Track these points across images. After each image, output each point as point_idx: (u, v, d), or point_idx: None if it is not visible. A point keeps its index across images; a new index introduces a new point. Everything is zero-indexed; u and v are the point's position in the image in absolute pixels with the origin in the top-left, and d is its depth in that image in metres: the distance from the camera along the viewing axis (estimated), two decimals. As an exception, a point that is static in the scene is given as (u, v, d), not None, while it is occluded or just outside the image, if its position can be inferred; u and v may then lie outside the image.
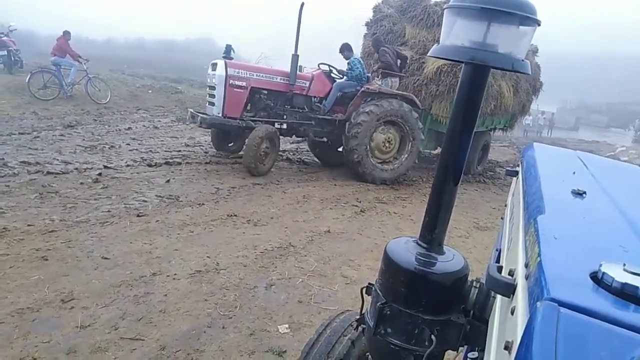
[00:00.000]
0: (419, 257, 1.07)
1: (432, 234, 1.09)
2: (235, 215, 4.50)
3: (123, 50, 39.06)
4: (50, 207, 4.14)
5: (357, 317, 1.37)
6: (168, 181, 5.46)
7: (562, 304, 0.48)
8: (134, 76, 18.57)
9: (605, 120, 52.02)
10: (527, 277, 0.61)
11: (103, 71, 15.72)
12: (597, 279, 0.56)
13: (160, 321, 2.57)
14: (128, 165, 5.96)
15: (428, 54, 1.06)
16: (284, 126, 6.71)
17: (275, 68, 7.03)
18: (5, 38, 12.89)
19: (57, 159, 5.81)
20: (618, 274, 0.54)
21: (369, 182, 6.76)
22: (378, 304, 1.09)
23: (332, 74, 7.17)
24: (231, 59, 6.51)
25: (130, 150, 6.95)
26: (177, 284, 3.01)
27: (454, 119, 1.04)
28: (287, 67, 6.69)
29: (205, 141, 8.51)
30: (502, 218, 1.67)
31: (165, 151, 7.20)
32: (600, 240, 0.78)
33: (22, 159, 5.56)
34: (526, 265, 0.65)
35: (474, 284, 1.06)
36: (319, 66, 7.22)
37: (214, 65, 6.41)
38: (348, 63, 6.96)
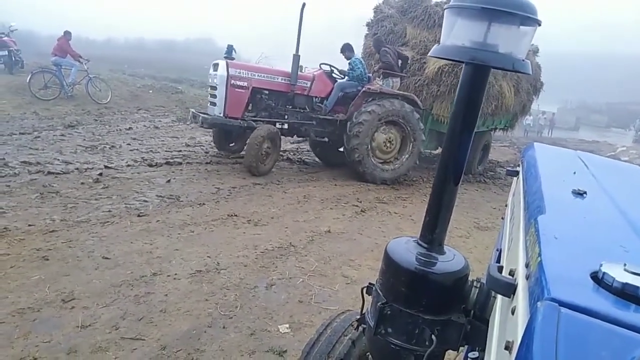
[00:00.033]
0: (420, 257, 1.07)
1: (433, 234, 1.09)
2: (236, 215, 4.50)
3: (123, 50, 39.08)
4: (51, 207, 4.15)
5: (358, 317, 1.37)
6: (169, 181, 5.46)
7: (562, 304, 0.48)
8: (134, 76, 18.59)
9: (605, 120, 51.99)
10: (527, 277, 0.61)
11: (103, 71, 15.73)
12: (598, 279, 0.56)
13: (160, 321, 2.57)
14: (129, 165, 5.96)
15: (429, 54, 1.06)
16: (285, 126, 6.72)
17: (276, 68, 7.04)
18: (6, 38, 12.91)
19: (58, 159, 5.81)
20: (618, 274, 0.54)
21: (369, 182, 6.76)
22: (379, 303, 1.09)
23: (334, 74, 7.18)
24: (233, 59, 6.52)
25: (130, 150, 6.95)
26: (177, 284, 3.01)
27: (455, 119, 1.04)
28: (287, 67, 6.69)
29: (206, 141, 8.51)
30: (502, 218, 1.66)
31: (166, 151, 7.21)
32: (600, 240, 0.78)
33: (23, 159, 5.57)
34: (527, 265, 0.65)
35: (475, 283, 1.06)
36: (320, 66, 7.22)
37: (216, 66, 6.42)
38: (349, 63, 6.96)
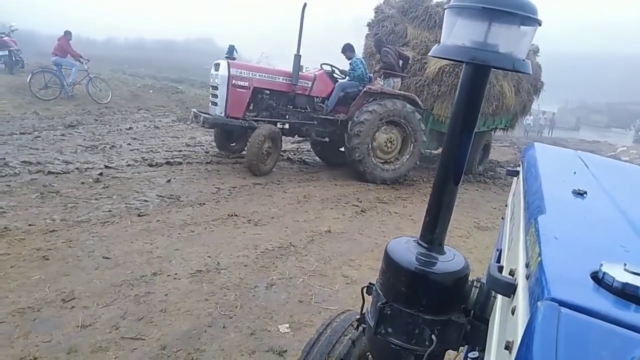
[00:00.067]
0: (420, 256, 1.07)
1: (433, 234, 1.09)
2: (236, 215, 4.50)
3: (123, 50, 39.08)
4: (51, 206, 4.15)
5: (358, 316, 1.37)
6: (169, 181, 5.46)
7: (562, 303, 0.48)
8: (134, 76, 18.59)
9: (605, 120, 52.00)
10: (527, 277, 0.61)
11: (104, 71, 15.74)
12: (598, 278, 0.56)
13: (160, 321, 2.57)
14: (129, 165, 5.96)
15: (429, 54, 1.06)
16: (286, 126, 6.73)
17: (277, 68, 7.04)
18: (6, 38, 12.91)
19: (58, 159, 5.81)
20: (619, 274, 0.54)
21: (369, 182, 6.76)
22: (379, 303, 1.09)
23: (335, 74, 7.18)
24: (234, 59, 6.53)
25: (131, 150, 6.96)
26: (177, 284, 3.02)
27: (455, 118, 1.04)
28: (288, 67, 6.70)
29: (206, 141, 8.51)
30: (502, 218, 1.66)
31: (166, 151, 7.21)
32: (600, 240, 0.78)
33: (23, 158, 5.57)
34: (527, 265, 0.65)
35: (475, 283, 1.06)
36: (321, 66, 7.23)
37: (217, 66, 6.43)
38: (350, 63, 6.97)
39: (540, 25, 0.92)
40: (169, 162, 6.36)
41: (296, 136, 7.35)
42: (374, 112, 6.57)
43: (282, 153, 7.27)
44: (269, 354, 2.40)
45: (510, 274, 0.77)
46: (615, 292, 0.53)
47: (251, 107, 6.71)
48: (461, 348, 1.08)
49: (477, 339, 1.00)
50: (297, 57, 6.49)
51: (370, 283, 1.23)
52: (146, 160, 6.32)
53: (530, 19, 0.90)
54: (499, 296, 0.83)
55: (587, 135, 31.21)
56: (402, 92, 7.14)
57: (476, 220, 5.62)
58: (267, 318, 2.75)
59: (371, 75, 7.23)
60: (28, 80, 10.43)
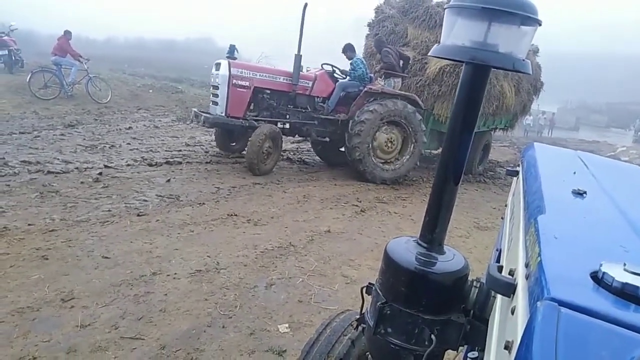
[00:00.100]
0: (419, 256, 1.07)
1: (433, 234, 1.09)
2: (236, 215, 4.50)
3: (123, 50, 39.04)
4: (50, 206, 4.14)
5: (357, 316, 1.37)
6: (168, 180, 5.46)
7: (562, 303, 0.48)
8: (134, 76, 18.58)
9: (605, 120, 52.01)
10: (527, 277, 0.61)
11: (103, 71, 15.73)
12: (598, 278, 0.56)
13: (160, 320, 2.57)
14: (128, 165, 5.96)
15: (429, 54, 1.06)
16: (287, 126, 6.73)
17: (278, 68, 7.05)
18: (6, 37, 12.90)
19: (58, 159, 5.81)
20: (618, 274, 0.54)
21: (369, 181, 6.76)
22: (378, 303, 1.09)
23: (335, 74, 7.19)
24: (235, 59, 6.53)
25: (130, 149, 6.95)
26: (177, 284, 3.01)
27: (455, 118, 1.04)
28: (287, 67, 6.70)
29: (206, 141, 8.51)
30: (502, 218, 1.66)
31: (166, 151, 7.21)
32: (600, 240, 0.78)
33: (22, 158, 5.57)
34: (526, 265, 0.65)
35: (474, 283, 1.06)
36: (322, 66, 7.23)
37: (218, 65, 6.43)
38: (351, 63, 6.98)
39: (540, 25, 0.92)
40: (168, 161, 6.36)
41: (296, 136, 7.35)
42: (375, 112, 6.58)
43: (281, 153, 7.28)
44: (268, 354, 2.40)
45: (509, 273, 0.77)
46: (615, 292, 0.53)
47: (252, 107, 6.71)
48: (461, 348, 1.08)
49: (476, 338, 1.00)
50: (298, 57, 6.50)
51: (369, 283, 1.23)
52: (146, 159, 6.32)
53: (530, 19, 0.90)
54: (499, 296, 0.83)
55: (587, 135, 31.22)
56: (402, 92, 7.14)
57: (476, 220, 5.62)
58: (266, 318, 2.75)
59: (372, 75, 7.24)
60: (27, 80, 10.43)
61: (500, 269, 0.83)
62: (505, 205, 1.65)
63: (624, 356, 0.43)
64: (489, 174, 9.49)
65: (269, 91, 6.61)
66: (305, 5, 6.28)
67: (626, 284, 0.53)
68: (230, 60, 6.35)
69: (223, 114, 6.28)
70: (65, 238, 3.48)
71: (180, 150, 7.34)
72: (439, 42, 1.00)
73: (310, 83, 6.83)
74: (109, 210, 4.21)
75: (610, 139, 29.67)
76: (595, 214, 0.93)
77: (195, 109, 6.84)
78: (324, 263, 3.67)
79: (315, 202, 5.41)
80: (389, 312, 1.07)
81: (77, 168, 5.46)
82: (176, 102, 13.62)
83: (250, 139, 6.04)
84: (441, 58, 1.01)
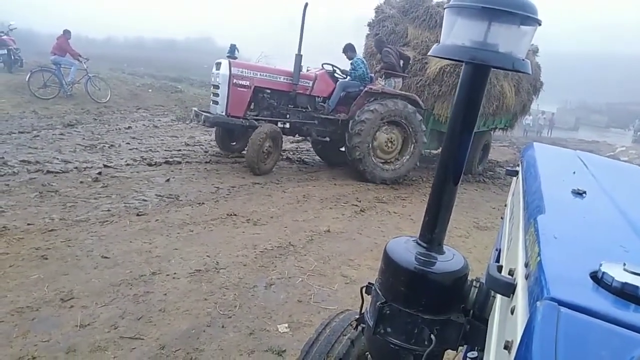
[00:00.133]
0: (419, 256, 1.07)
1: (432, 234, 1.09)
2: (235, 215, 4.50)
3: (123, 49, 38.99)
4: (50, 206, 4.14)
5: (357, 316, 1.37)
6: (168, 180, 5.46)
7: (562, 303, 0.48)
8: (134, 75, 18.57)
9: (605, 120, 52.01)
10: (527, 277, 0.61)
11: (103, 70, 15.72)
12: (597, 278, 0.56)
13: (159, 320, 2.57)
14: (128, 165, 5.96)
15: (429, 53, 1.06)
16: (287, 125, 6.74)
17: (278, 68, 7.05)
18: (5, 37, 12.88)
19: (57, 158, 5.81)
20: (618, 274, 0.54)
21: (369, 181, 6.76)
22: (378, 303, 1.09)
23: (336, 74, 7.19)
24: (235, 58, 6.54)
25: (130, 149, 6.95)
26: (176, 283, 3.01)
27: (454, 118, 1.04)
28: (287, 67, 6.70)
29: (205, 140, 8.51)
30: (502, 218, 1.67)
31: (165, 150, 7.20)
32: (600, 240, 0.78)
33: (22, 157, 5.56)
34: (526, 265, 0.65)
35: (474, 283, 1.06)
36: (322, 66, 7.24)
37: (218, 65, 6.43)
38: (351, 63, 6.99)
39: (540, 25, 0.92)
40: (168, 161, 6.36)
41: (297, 135, 7.36)
42: (375, 112, 6.58)
43: (281, 153, 7.28)
44: (268, 354, 2.40)
45: (509, 273, 0.77)
46: (615, 292, 0.53)
47: (252, 107, 6.72)
48: (460, 348, 1.08)
49: (476, 338, 1.00)
50: (299, 57, 6.50)
51: (369, 283, 1.23)
52: (145, 159, 6.31)
53: (530, 19, 0.90)
54: (498, 296, 0.83)
55: (587, 135, 31.24)
56: (403, 92, 7.15)
57: (475, 220, 5.62)
58: (266, 318, 2.75)
59: (372, 75, 7.24)
60: (27, 79, 10.42)
61: (499, 268, 0.83)
62: (505, 205, 1.65)
63: (623, 356, 0.43)
64: (489, 174, 9.49)
65: (269, 91, 6.62)
66: (306, 5, 6.29)
67: (626, 283, 0.53)
68: (231, 60, 6.36)
69: (223, 114, 6.29)
70: (64, 238, 3.48)
71: (179, 150, 7.34)
72: (439, 42, 1.00)
73: (311, 83, 6.83)
74: (109, 210, 4.21)
75: (609, 139, 29.69)
76: (595, 214, 0.93)
77: (195, 108, 6.86)
78: (324, 263, 3.67)
79: (315, 201, 5.41)
80: (388, 311, 1.07)
81: (76, 168, 5.46)
82: (176, 102, 13.62)
83: (250, 138, 6.05)
84: (441, 58, 1.01)
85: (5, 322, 2.37)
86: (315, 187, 6.13)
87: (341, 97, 6.92)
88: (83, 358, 2.19)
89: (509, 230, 1.16)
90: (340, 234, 4.41)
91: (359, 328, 1.38)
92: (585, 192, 0.98)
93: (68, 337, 2.32)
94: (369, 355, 1.32)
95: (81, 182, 4.96)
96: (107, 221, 3.93)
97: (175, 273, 3.15)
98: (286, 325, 2.69)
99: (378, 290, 1.12)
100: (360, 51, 8.45)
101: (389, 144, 6.93)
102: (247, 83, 6.34)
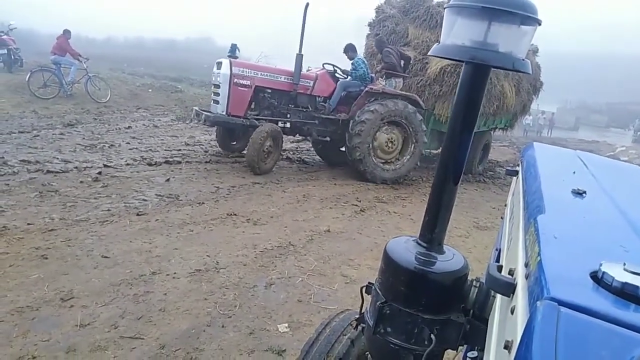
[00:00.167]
0: (419, 256, 1.07)
1: (432, 234, 1.09)
2: (235, 215, 4.50)
3: (123, 49, 38.99)
4: (50, 205, 4.14)
5: (357, 316, 1.37)
6: (168, 180, 5.46)
7: (562, 303, 0.48)
8: (134, 75, 18.57)
9: (605, 120, 52.01)
10: (527, 277, 0.61)
11: (103, 70, 15.71)
12: (597, 278, 0.56)
13: (159, 320, 2.57)
14: (128, 164, 5.96)
15: (429, 53, 1.06)
16: (288, 125, 6.74)
17: (279, 67, 7.05)
18: (5, 37, 12.88)
19: (57, 158, 5.81)
20: (618, 274, 0.54)
21: (369, 181, 6.76)
22: (378, 303, 1.09)
23: (337, 74, 7.19)
24: (236, 58, 6.54)
25: (130, 149, 6.95)
26: (176, 283, 3.01)
27: (455, 118, 1.04)
28: (287, 67, 6.70)
29: (205, 140, 8.51)
30: (502, 217, 1.66)
31: (165, 150, 7.20)
32: (600, 239, 0.78)
33: (22, 157, 5.56)
34: (526, 265, 0.65)
35: (474, 283, 1.06)
36: (323, 66, 7.24)
37: (219, 64, 6.43)
38: (352, 63, 6.99)
39: (540, 24, 0.92)
40: (168, 161, 6.36)
41: (297, 135, 7.36)
42: (376, 112, 6.58)
43: (281, 152, 7.29)
44: (268, 354, 2.40)
45: (509, 273, 0.77)
46: (615, 292, 0.53)
47: (253, 106, 6.72)
48: (460, 348, 1.08)
49: (476, 338, 1.00)
50: (299, 57, 6.50)
51: (369, 282, 1.23)
52: (145, 159, 6.31)
53: (530, 19, 0.90)
54: (498, 296, 0.83)
55: (586, 135, 31.23)
56: (403, 93, 7.15)
57: (475, 220, 5.62)
58: (266, 317, 2.75)
59: (373, 75, 7.24)
60: (27, 79, 10.41)
61: (499, 268, 0.83)
62: (505, 205, 1.65)
63: (623, 356, 0.43)
64: (489, 174, 9.49)
65: (270, 90, 6.62)
66: (307, 5, 6.29)
67: (626, 283, 0.53)
68: (232, 59, 6.36)
69: (224, 113, 6.29)
70: (64, 237, 3.48)
71: (179, 150, 7.34)
72: (440, 41, 1.00)
73: (312, 82, 6.83)
74: (109, 210, 4.21)
75: (609, 139, 29.68)
76: (595, 213, 0.93)
77: (196, 108, 6.86)
78: (324, 262, 3.67)
79: (315, 201, 5.41)
80: (388, 311, 1.07)
81: (76, 167, 5.45)
82: (175, 102, 13.61)
83: (251, 137, 6.05)
84: (441, 57, 1.01)
85: (5, 321, 2.37)
86: (316, 187, 6.13)
87: (342, 97, 6.93)
88: (83, 358, 2.19)
89: (509, 230, 1.16)
90: (340, 234, 4.41)
91: (359, 328, 1.38)
92: (585, 192, 0.98)
93: (68, 337, 2.32)
94: (369, 355, 1.32)
95: (81, 181, 4.96)
96: (107, 221, 3.93)
97: (175, 273, 3.15)
98: (286, 325, 2.69)
99: (378, 290, 1.12)
100: (360, 51, 8.45)
101: (390, 144, 6.93)
102: (248, 82, 6.34)
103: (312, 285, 3.25)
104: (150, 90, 14.66)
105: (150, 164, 6.08)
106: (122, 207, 4.34)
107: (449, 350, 1.10)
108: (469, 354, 0.93)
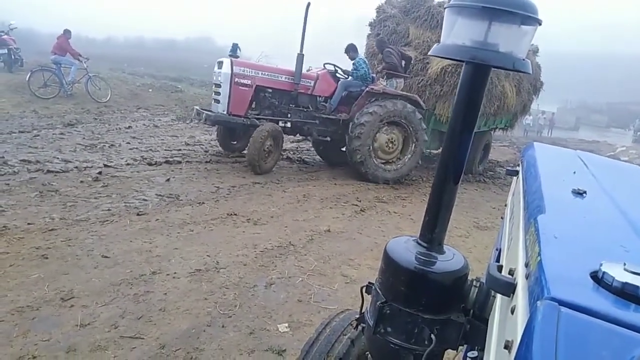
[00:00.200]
0: (419, 256, 1.07)
1: (432, 234, 1.09)
2: (236, 214, 4.50)
3: (123, 49, 39.00)
4: (50, 205, 4.14)
5: (357, 316, 1.37)
6: (168, 180, 5.46)
7: (562, 303, 0.48)
8: (134, 75, 18.57)
9: (605, 120, 52.01)
10: (527, 277, 0.61)
11: (103, 70, 15.72)
12: (598, 278, 0.56)
13: (160, 320, 2.57)
14: (128, 164, 5.96)
15: (429, 53, 1.06)
16: (289, 125, 6.74)
17: (280, 67, 7.06)
18: (5, 36, 12.89)
19: (57, 158, 5.81)
20: (618, 274, 0.54)
21: (370, 181, 6.76)
22: (378, 303, 1.09)
23: (337, 74, 7.20)
24: (237, 57, 6.54)
25: (130, 149, 6.95)
26: (177, 283, 3.01)
27: (455, 118, 1.04)
28: (287, 66, 6.70)
29: (206, 140, 8.51)
30: (502, 217, 1.66)
31: (166, 150, 7.20)
32: (600, 239, 0.78)
33: (22, 157, 5.56)
34: (526, 265, 0.65)
35: (474, 283, 1.06)
36: (324, 66, 7.24)
37: (220, 64, 6.44)
38: (353, 63, 7.00)
39: (540, 24, 0.92)
40: (168, 161, 6.36)
41: (298, 135, 7.36)
42: (374, 114, 6.58)
43: (282, 152, 7.29)
44: (268, 353, 2.40)
45: (509, 273, 0.77)
46: (615, 292, 0.53)
47: (253, 106, 6.72)
48: (460, 347, 1.08)
49: (476, 338, 1.00)
50: (300, 56, 6.51)
51: (369, 282, 1.23)
52: (145, 159, 6.31)
53: (530, 19, 0.90)
54: (499, 295, 0.83)
55: (587, 135, 31.23)
56: (404, 93, 7.15)
57: (475, 220, 5.62)
58: (266, 317, 2.75)
59: (374, 75, 7.24)
60: (27, 79, 10.42)
61: (500, 268, 0.83)
62: (505, 205, 1.65)
63: (624, 356, 0.43)
64: (489, 174, 9.49)
65: (271, 90, 6.62)
66: (309, 4, 6.29)
67: (626, 283, 0.53)
68: (233, 59, 6.36)
69: (225, 112, 6.29)
70: (64, 237, 3.48)
71: (179, 150, 7.34)
72: (440, 41, 1.00)
73: (312, 82, 6.84)
74: (109, 210, 4.21)
75: (610, 138, 29.67)
76: (595, 213, 0.93)
77: (197, 107, 6.87)
78: (324, 262, 3.67)
79: (315, 201, 5.41)
80: (388, 311, 1.07)
81: (76, 167, 5.46)
82: (176, 102, 13.62)
83: (252, 136, 6.05)
84: (441, 57, 1.01)
85: (5, 321, 2.38)
86: (316, 187, 6.13)
87: (343, 97, 6.93)
88: (83, 357, 2.19)
89: (509, 230, 1.16)
90: (341, 234, 4.41)
91: (359, 328, 1.38)
92: (585, 192, 0.98)
93: (68, 337, 2.32)
94: (369, 355, 1.32)
95: (81, 181, 4.96)
96: (107, 221, 3.93)
97: (175, 272, 3.15)
98: (286, 324, 2.69)
99: (378, 289, 1.12)
100: (361, 51, 8.45)
101: (390, 145, 6.93)
102: (249, 82, 6.35)
103: (312, 285, 3.25)
104: (150, 90, 14.66)
105: (150, 164, 6.08)
106: (122, 207, 4.34)
107: (449, 350, 1.10)
108: (469, 354, 0.93)
